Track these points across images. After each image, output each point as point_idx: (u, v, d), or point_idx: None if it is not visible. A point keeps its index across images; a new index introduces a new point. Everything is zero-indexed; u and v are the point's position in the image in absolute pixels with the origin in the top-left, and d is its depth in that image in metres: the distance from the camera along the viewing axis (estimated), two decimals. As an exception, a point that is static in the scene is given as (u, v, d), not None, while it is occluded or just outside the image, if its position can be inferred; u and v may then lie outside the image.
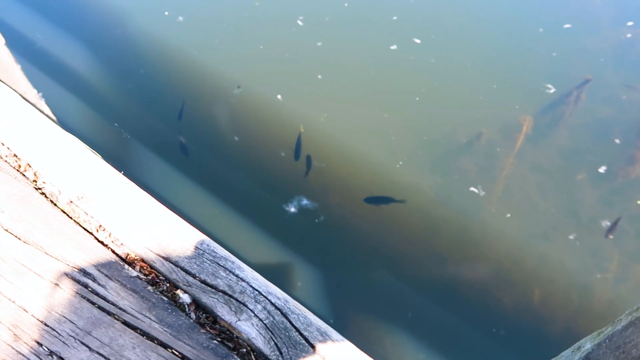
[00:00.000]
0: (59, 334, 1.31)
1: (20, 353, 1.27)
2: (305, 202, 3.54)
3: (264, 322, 1.34)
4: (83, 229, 1.51)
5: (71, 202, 1.54)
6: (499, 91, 4.24)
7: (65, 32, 4.56)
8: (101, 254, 1.46)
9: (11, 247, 1.44)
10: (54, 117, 2.76)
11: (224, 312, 1.35)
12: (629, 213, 3.54)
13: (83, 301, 1.36)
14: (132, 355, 1.28)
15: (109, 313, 1.35)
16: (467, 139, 3.95)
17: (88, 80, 4.26)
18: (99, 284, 1.39)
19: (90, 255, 1.45)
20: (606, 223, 3.50)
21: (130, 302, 1.37)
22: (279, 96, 4.13)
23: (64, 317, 1.33)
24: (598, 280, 3.30)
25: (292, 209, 3.50)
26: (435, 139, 3.95)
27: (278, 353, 1.30)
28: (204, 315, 1.38)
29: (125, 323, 1.34)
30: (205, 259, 1.44)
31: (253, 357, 1.32)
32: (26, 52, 4.29)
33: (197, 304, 1.39)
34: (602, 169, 3.77)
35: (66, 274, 1.40)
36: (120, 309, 1.36)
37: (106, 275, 1.41)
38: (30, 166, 1.62)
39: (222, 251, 1.47)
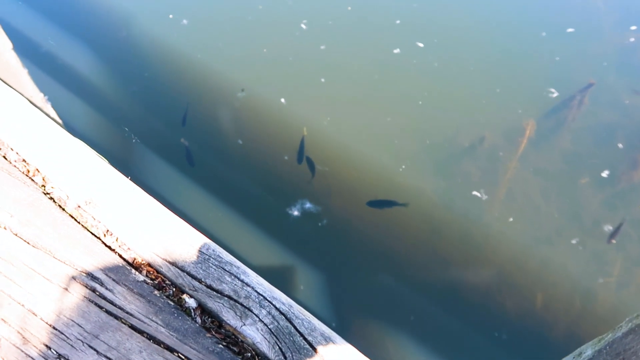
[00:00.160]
0: (67, 338, 1.33)
1: (30, 356, 1.30)
2: (308, 205, 3.56)
3: (269, 326, 1.36)
4: (91, 234, 1.53)
5: (79, 206, 1.57)
6: (501, 95, 4.25)
7: (70, 35, 4.60)
8: (109, 258, 1.48)
9: (20, 251, 1.46)
10: (59, 121, 2.79)
11: (229, 317, 1.37)
12: (632, 217, 3.54)
13: (91, 305, 1.38)
14: (138, 359, 1.30)
15: (116, 317, 1.37)
16: (470, 142, 3.96)
17: (93, 83, 4.30)
18: (106, 288, 1.42)
19: (98, 259, 1.47)
20: (608, 227, 3.50)
21: (137, 307, 1.39)
22: (282, 99, 4.15)
23: (72, 320, 1.36)
24: (601, 285, 3.31)
25: (296, 212, 3.52)
26: (438, 143, 3.96)
27: (282, 357, 1.32)
28: (209, 319, 1.40)
29: (132, 327, 1.36)
30: (210, 264, 1.46)
31: (258, 361, 1.34)
32: (32, 56, 4.33)
33: (202, 308, 1.41)
34: (605, 174, 3.77)
35: (74, 278, 1.42)
36: (127, 313, 1.38)
37: (113, 280, 1.43)
38: (39, 171, 1.65)
39: (227, 256, 1.49)
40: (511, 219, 3.58)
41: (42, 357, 1.30)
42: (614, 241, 3.42)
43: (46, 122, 1.77)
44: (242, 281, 1.43)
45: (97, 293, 1.40)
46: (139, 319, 1.37)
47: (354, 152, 3.87)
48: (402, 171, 3.79)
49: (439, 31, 4.69)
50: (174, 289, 1.45)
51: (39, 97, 2.62)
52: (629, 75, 4.38)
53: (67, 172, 1.63)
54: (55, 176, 1.62)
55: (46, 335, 1.33)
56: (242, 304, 1.39)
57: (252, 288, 1.42)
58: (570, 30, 4.72)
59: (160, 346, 1.34)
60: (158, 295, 1.43)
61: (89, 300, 1.39)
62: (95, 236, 1.53)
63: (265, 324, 1.36)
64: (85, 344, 1.32)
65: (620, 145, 3.93)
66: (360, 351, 1.40)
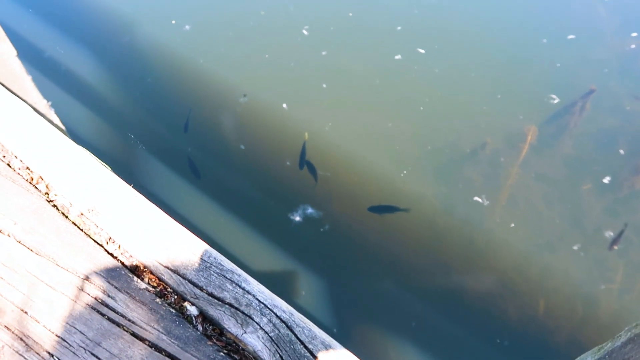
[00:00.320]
0: (70, 345, 1.34)
1: (32, 363, 1.31)
2: (310, 210, 3.56)
3: (270, 334, 1.37)
4: (93, 241, 1.54)
5: (82, 214, 1.58)
6: (503, 101, 4.26)
7: (73, 41, 4.64)
8: (111, 266, 1.49)
9: (24, 259, 1.47)
10: (62, 127, 2.81)
11: (231, 325, 1.38)
12: (633, 224, 3.54)
13: (93, 312, 1.39)
14: (140, 367, 1.31)
15: (118, 324, 1.38)
16: (472, 148, 3.96)
17: (96, 89, 4.33)
18: (108, 296, 1.42)
19: (100, 267, 1.48)
20: (609, 234, 3.50)
21: (139, 314, 1.40)
22: (284, 105, 4.17)
23: (75, 328, 1.37)
24: (603, 291, 3.30)
25: (297, 218, 3.53)
26: (439, 148, 3.97)
27: (283, 366, 1.32)
28: (210, 327, 1.41)
29: (134, 334, 1.37)
30: (212, 272, 1.47)
31: (259, 369, 1.34)
32: (36, 62, 4.36)
33: (204, 316, 1.42)
34: (606, 179, 3.77)
35: (77, 286, 1.43)
36: (129, 320, 1.39)
37: (116, 287, 1.44)
38: (42, 179, 1.66)
39: (228, 264, 1.50)
40: (512, 225, 3.58)
41: (45, 364, 1.31)
42: (615, 247, 3.42)
43: (50, 129, 1.79)
44: (243, 289, 1.44)
45: (100, 300, 1.41)
46: (141, 327, 1.38)
47: (356, 157, 3.88)
48: (403, 176, 3.80)
49: (439, 37, 4.71)
50: (176, 297, 1.45)
51: (43, 104, 2.64)
52: (630, 82, 4.38)
53: (70, 180, 1.64)
54: (58, 184, 1.64)
55: (48, 343, 1.34)
56: (243, 312, 1.40)
57: (253, 296, 1.43)
58: (571, 36, 4.73)
59: (162, 354, 1.34)
60: (160, 302, 1.44)
61: (92, 308, 1.40)
62: (98, 244, 1.54)
63: (266, 332, 1.37)
64: (87, 352, 1.33)
65: (621, 151, 3.93)
66: (362, 358, 1.41)
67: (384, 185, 3.78)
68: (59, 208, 1.60)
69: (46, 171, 1.67)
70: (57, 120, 2.83)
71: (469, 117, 4.15)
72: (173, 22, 4.79)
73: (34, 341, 1.35)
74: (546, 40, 4.71)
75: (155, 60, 4.53)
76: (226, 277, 1.46)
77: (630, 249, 3.45)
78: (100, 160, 1.82)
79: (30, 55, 4.40)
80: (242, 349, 1.38)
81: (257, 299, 1.43)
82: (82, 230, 1.56)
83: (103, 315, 1.39)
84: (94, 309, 1.40)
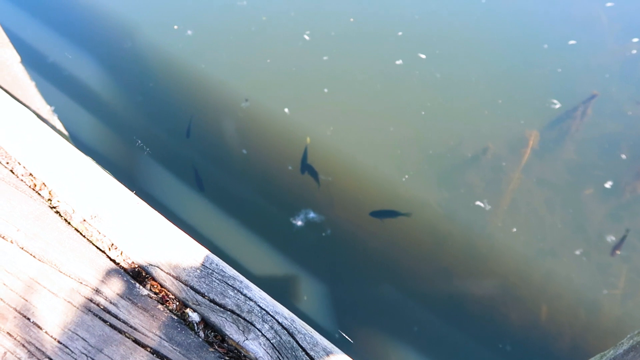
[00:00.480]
0: (72, 352, 1.34)
1: (34, 370, 1.31)
2: (312, 215, 3.57)
3: (271, 341, 1.37)
4: (96, 248, 1.55)
5: (84, 220, 1.59)
6: (504, 106, 4.26)
7: (76, 47, 4.67)
8: (113, 272, 1.49)
9: (26, 265, 1.48)
10: (65, 132, 2.82)
11: (232, 331, 1.38)
12: (636, 228, 3.53)
13: (95, 319, 1.40)
14: (142, 374, 1.31)
15: (120, 331, 1.38)
16: (473, 153, 3.97)
17: (98, 94, 4.35)
18: (110, 302, 1.43)
19: (102, 273, 1.48)
20: (612, 239, 3.49)
21: (141, 320, 1.40)
22: (286, 109, 4.18)
23: (77, 334, 1.37)
24: (606, 297, 3.29)
25: (299, 222, 3.53)
26: (441, 153, 3.97)
27: (285, 373, 1.32)
28: (212, 334, 1.41)
29: (135, 341, 1.37)
30: (214, 278, 1.47)
31: (260, 376, 1.34)
32: (39, 68, 4.39)
33: (205, 322, 1.42)
34: (608, 184, 3.76)
35: (79, 292, 1.44)
36: (131, 327, 1.39)
37: (118, 294, 1.45)
38: (45, 185, 1.67)
39: (230, 270, 1.51)
40: (514, 230, 3.57)
41: (47, 371, 1.31)
42: (618, 252, 3.41)
43: (53, 136, 1.80)
44: (245, 295, 1.44)
45: (102, 307, 1.42)
46: (143, 333, 1.38)
47: (357, 162, 3.89)
48: (405, 181, 3.80)
49: (441, 43, 4.72)
50: (178, 303, 1.46)
51: (46, 109, 2.66)
52: (631, 87, 4.39)
53: (73, 187, 1.65)
54: (61, 190, 1.65)
55: (51, 349, 1.34)
56: (244, 319, 1.40)
57: (255, 302, 1.43)
58: (572, 42, 4.74)
59: (164, 360, 1.34)
60: (161, 309, 1.44)
61: (94, 314, 1.40)
62: (100, 250, 1.55)
63: (267, 339, 1.37)
64: (89, 358, 1.33)
65: (623, 156, 3.93)
66: (363, 365, 1.40)
67: (386, 189, 3.78)
68: (62, 214, 1.61)
69: (49, 178, 1.68)
70: (60, 126, 2.85)
71: (471, 122, 4.16)
72: (175, 27, 4.82)
73: (36, 348, 1.35)
74: (547, 45, 4.73)
75: (157, 66, 4.55)
76: (228, 284, 1.47)
77: (633, 254, 3.43)
78: (102, 167, 1.82)
79: (34, 61, 4.43)
80: (244, 356, 1.38)
81: (258, 306, 1.43)
82: (84, 236, 1.57)
83: (105, 321, 1.39)
84: (96, 315, 1.40)
